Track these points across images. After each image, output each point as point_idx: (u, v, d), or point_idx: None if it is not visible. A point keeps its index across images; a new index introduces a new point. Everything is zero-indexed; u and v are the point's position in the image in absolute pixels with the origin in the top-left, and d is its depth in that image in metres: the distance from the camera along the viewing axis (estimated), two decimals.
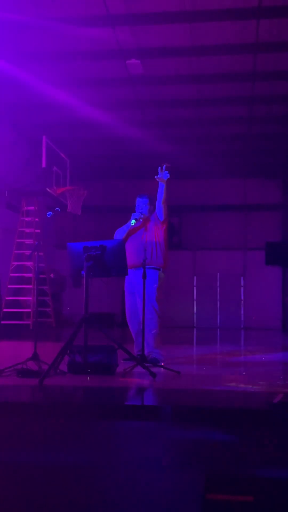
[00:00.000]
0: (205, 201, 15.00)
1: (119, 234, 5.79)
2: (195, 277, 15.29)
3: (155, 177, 5.57)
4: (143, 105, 10.86)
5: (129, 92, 10.28)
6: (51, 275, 12.79)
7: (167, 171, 5.55)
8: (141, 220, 5.78)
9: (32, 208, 12.05)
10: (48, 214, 5.44)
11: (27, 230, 11.99)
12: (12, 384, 4.44)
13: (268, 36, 8.25)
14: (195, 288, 15.27)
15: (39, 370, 4.77)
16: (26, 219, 12.07)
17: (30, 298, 11.52)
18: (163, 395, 4.32)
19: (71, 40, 8.47)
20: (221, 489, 2.19)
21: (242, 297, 15.10)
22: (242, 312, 15.02)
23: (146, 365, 4.93)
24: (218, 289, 15.13)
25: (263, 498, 2.18)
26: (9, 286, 11.60)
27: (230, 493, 2.18)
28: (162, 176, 5.54)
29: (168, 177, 5.55)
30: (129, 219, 5.79)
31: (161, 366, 5.24)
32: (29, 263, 11.61)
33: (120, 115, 11.16)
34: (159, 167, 5.56)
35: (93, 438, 3.28)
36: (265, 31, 8.12)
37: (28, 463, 2.82)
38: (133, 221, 5.68)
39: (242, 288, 15.12)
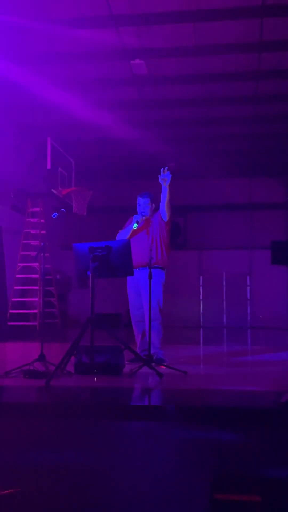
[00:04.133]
0: (210, 201, 14.98)
1: (121, 237, 5.76)
2: (201, 277, 15.27)
3: (158, 175, 5.53)
4: (148, 105, 10.86)
5: (133, 92, 10.28)
6: (57, 276, 12.81)
7: (169, 172, 5.50)
8: (142, 221, 5.80)
9: (37, 209, 12.08)
10: (54, 215, 5.44)
11: (33, 231, 12.02)
12: (19, 385, 4.45)
13: (272, 35, 8.24)
14: (201, 288, 15.26)
15: (46, 371, 4.78)
16: (32, 220, 12.09)
17: (36, 299, 11.55)
18: (170, 395, 4.31)
19: (75, 42, 8.47)
20: (229, 489, 2.18)
21: (249, 297, 15.08)
22: (248, 311, 15.00)
23: (152, 365, 4.93)
24: (224, 288, 15.11)
25: (270, 498, 2.17)
26: (15, 288, 11.63)
27: (238, 493, 2.17)
28: (165, 177, 5.50)
29: (171, 176, 5.49)
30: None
31: (168, 366, 5.24)
32: (35, 264, 11.64)
33: (125, 116, 11.16)
34: (162, 169, 5.52)
35: (100, 439, 3.28)
36: (269, 30, 8.11)
37: (35, 464, 2.82)
38: (135, 225, 5.69)
39: (248, 288, 15.10)
